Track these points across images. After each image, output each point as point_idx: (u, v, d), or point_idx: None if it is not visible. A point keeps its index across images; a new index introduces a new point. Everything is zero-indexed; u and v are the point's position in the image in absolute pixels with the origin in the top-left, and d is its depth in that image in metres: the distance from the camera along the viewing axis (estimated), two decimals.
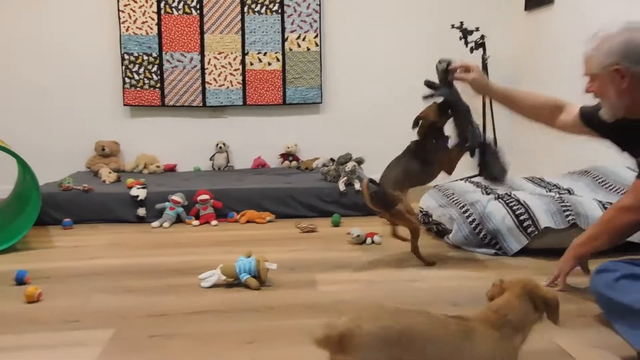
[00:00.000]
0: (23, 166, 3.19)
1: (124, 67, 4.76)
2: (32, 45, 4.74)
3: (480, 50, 4.65)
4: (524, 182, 3.50)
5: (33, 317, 2.19)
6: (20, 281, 2.54)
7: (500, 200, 3.01)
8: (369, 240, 3.21)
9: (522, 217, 2.88)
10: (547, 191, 3.25)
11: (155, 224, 3.69)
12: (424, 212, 3.47)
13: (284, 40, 4.85)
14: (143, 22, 4.72)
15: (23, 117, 4.79)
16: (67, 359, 1.85)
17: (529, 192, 3.12)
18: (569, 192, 3.22)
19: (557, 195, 3.01)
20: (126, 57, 4.75)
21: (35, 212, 3.18)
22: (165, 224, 3.68)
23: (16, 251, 3.11)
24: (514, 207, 2.93)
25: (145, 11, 4.70)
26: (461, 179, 4.05)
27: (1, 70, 4.74)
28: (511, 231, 2.90)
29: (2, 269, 2.80)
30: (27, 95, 4.78)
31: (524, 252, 2.88)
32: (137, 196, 3.77)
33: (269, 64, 4.86)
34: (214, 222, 3.73)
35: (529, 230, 2.85)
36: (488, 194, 3.18)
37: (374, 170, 4.73)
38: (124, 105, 4.82)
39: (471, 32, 4.61)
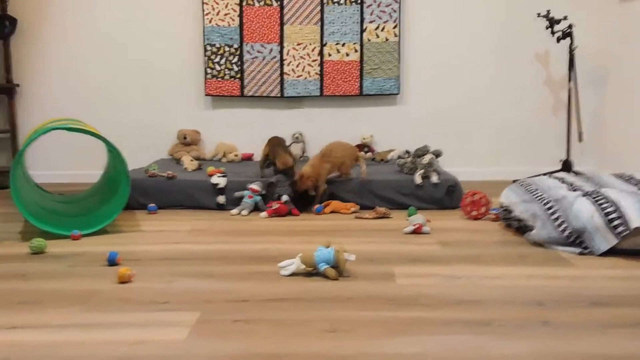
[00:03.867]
0: (114, 153, 3.35)
1: (206, 57, 4.89)
2: (120, 36, 4.96)
3: (568, 40, 4.46)
4: (612, 179, 3.34)
5: (125, 297, 2.30)
6: (112, 262, 2.69)
7: (588, 197, 2.89)
8: (426, 228, 3.23)
9: (611, 216, 2.75)
10: (638, 189, 3.09)
11: (234, 211, 3.78)
12: (504, 208, 3.38)
13: (362, 30, 4.83)
14: (225, 14, 4.83)
15: (111, 105, 5.02)
16: (158, 338, 1.94)
17: (618, 190, 2.98)
18: None
19: None
20: (208, 48, 4.88)
21: (125, 197, 3.33)
22: (244, 212, 3.77)
23: (107, 233, 3.28)
24: (603, 205, 2.80)
25: (227, 3, 4.81)
26: (544, 174, 3.92)
27: (91, 60, 4.99)
28: (599, 230, 2.77)
29: (94, 250, 2.97)
30: (116, 85, 5.01)
31: (612, 252, 2.76)
32: (218, 184, 3.88)
33: (347, 54, 4.86)
34: None
35: (619, 229, 2.72)
36: (575, 190, 3.06)
37: (451, 163, 4.66)
38: (206, 95, 4.96)
39: (558, 21, 4.43)
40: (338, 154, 3.81)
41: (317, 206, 3.75)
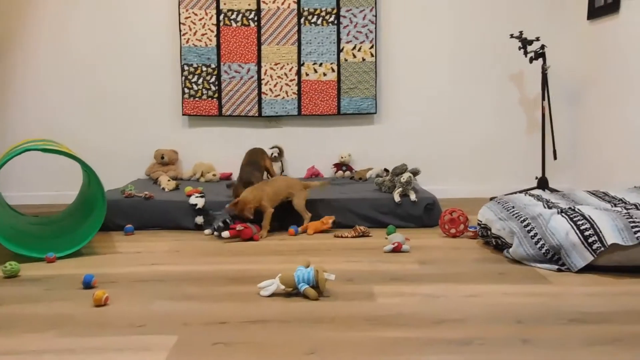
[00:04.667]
0: (89, 173, 3.31)
1: (183, 77, 4.88)
2: (97, 56, 4.93)
3: (540, 60, 4.55)
4: (587, 196, 3.40)
5: (101, 321, 2.26)
6: (88, 285, 2.64)
7: (563, 214, 2.93)
8: (406, 247, 3.25)
9: (587, 233, 2.79)
10: (612, 206, 3.15)
11: (208, 231, 3.74)
12: (482, 225, 3.41)
13: (339, 50, 4.88)
14: (203, 34, 4.83)
15: (87, 124, 4.97)
16: None
17: (593, 207, 3.03)
18: (637, 207, 3.10)
19: (624, 211, 2.90)
20: (186, 68, 4.87)
21: (101, 218, 3.28)
22: (225, 233, 3.71)
23: (82, 256, 3.22)
24: (579, 222, 2.84)
25: (205, 23, 4.82)
26: (520, 192, 3.97)
27: (67, 79, 4.94)
28: (575, 247, 2.81)
29: (69, 272, 2.91)
30: (91, 104, 4.97)
31: (589, 268, 2.79)
32: (196, 204, 3.85)
33: (324, 74, 4.89)
34: None
35: (595, 246, 2.76)
36: (550, 207, 3.10)
37: (429, 181, 4.70)
38: (183, 114, 4.94)
39: (531, 42, 4.52)
40: (281, 183, 3.80)
41: (293, 227, 3.73)
